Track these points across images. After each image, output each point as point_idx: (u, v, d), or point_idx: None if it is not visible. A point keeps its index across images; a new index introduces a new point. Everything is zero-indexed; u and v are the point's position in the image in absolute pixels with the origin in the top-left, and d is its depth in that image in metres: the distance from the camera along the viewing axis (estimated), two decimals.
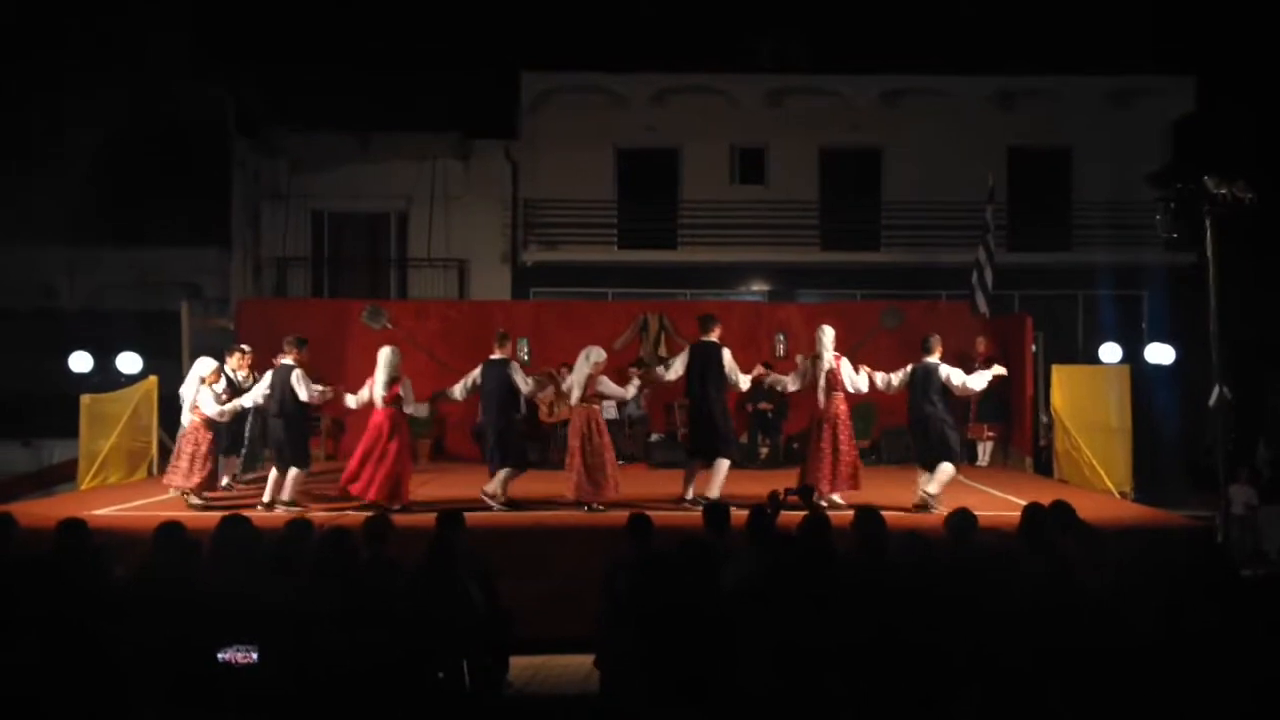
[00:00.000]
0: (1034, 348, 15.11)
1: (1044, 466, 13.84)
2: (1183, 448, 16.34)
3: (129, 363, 15.15)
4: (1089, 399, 12.83)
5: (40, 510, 9.50)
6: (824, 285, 20.53)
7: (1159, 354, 15.40)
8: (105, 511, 10.00)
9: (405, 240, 21.39)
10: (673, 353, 15.97)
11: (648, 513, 7.14)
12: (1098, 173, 20.58)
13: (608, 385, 10.58)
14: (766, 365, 11.32)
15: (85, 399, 12.74)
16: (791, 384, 10.83)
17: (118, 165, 20.90)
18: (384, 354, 10.58)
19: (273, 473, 10.58)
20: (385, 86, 20.66)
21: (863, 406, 13.71)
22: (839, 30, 21.45)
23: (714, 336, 10.78)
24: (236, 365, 11.68)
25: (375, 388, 10.47)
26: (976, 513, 6.61)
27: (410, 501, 10.49)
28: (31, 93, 20.12)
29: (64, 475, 13.97)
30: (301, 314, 16.66)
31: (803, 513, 6.94)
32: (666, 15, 21.24)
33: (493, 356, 10.75)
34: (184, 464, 10.58)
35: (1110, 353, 15.53)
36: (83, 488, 12.21)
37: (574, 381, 10.47)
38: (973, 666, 4.71)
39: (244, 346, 12.10)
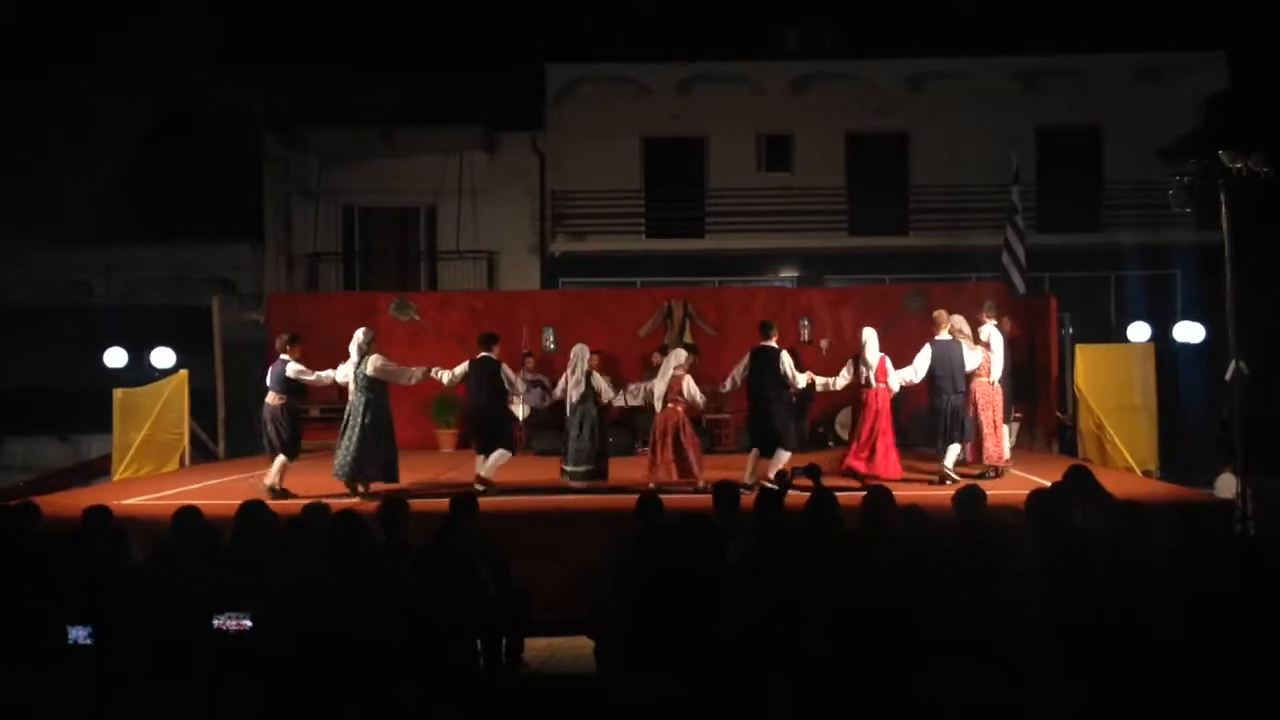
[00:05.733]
0: (1069, 330, 15.02)
1: (1070, 447, 13.78)
2: (1214, 426, 16.17)
3: (162, 357, 15.40)
4: (1113, 378, 12.76)
5: (70, 501, 9.70)
6: (852, 271, 20.42)
7: (1188, 333, 15.24)
8: (134, 501, 10.21)
9: (435, 233, 21.57)
10: (697, 340, 16.13)
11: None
12: (1128, 152, 20.32)
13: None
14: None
15: (118, 393, 13.00)
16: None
17: (151, 163, 21.31)
18: (869, 334, 10.79)
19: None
20: (412, 81, 20.82)
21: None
22: (863, 15, 21.35)
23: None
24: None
25: (864, 366, 10.63)
26: (1002, 492, 6.60)
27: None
28: (65, 93, 20.48)
29: (100, 469, 14.22)
30: (329, 307, 16.93)
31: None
32: (689, 4, 21.23)
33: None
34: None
35: (1139, 332, 15.39)
36: (116, 479, 12.46)
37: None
38: (955, 640, 4.73)
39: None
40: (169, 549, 6.10)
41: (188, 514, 6.45)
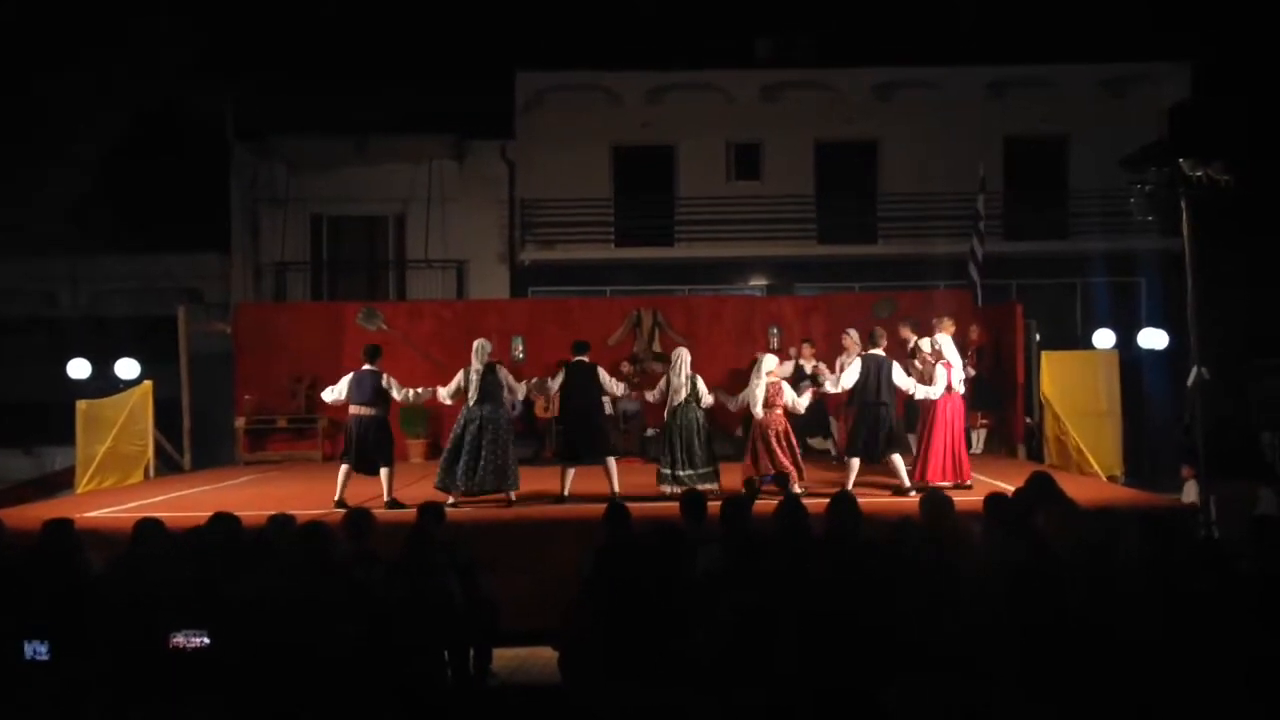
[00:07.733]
0: (1035, 336, 15.12)
1: (1036, 452, 13.87)
2: (1177, 431, 16.31)
3: (127, 368, 15.23)
4: (1078, 384, 12.86)
5: (33, 514, 9.58)
6: (822, 279, 20.52)
7: (1152, 339, 15.37)
8: (97, 513, 10.10)
9: (404, 242, 21.51)
10: (666, 349, 16.08)
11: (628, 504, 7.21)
12: (1094, 160, 20.47)
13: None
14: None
15: (81, 404, 12.83)
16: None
17: (118, 172, 21.10)
18: (944, 340, 10.67)
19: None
20: (381, 89, 20.72)
21: None
22: (832, 24, 21.48)
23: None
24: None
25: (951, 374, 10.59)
26: (973, 498, 6.64)
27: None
28: (32, 102, 20.27)
29: (64, 481, 14.02)
30: (297, 318, 16.84)
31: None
32: (659, 13, 21.28)
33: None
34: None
35: (1104, 339, 15.51)
36: (79, 492, 12.32)
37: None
38: (918, 647, 4.74)
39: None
40: (130, 561, 6.03)
41: (149, 525, 6.40)
